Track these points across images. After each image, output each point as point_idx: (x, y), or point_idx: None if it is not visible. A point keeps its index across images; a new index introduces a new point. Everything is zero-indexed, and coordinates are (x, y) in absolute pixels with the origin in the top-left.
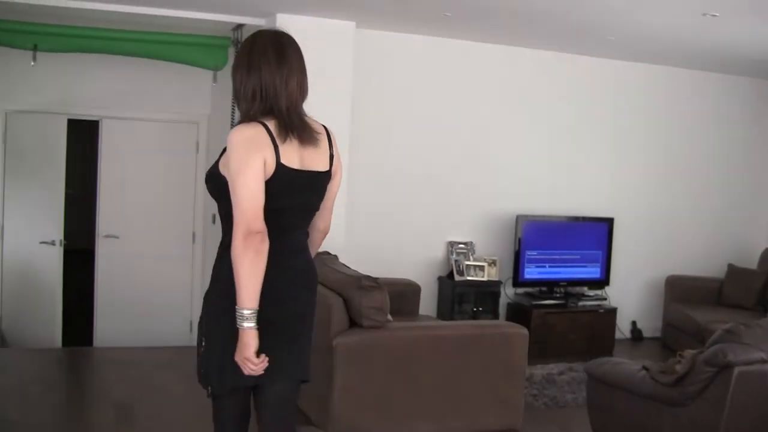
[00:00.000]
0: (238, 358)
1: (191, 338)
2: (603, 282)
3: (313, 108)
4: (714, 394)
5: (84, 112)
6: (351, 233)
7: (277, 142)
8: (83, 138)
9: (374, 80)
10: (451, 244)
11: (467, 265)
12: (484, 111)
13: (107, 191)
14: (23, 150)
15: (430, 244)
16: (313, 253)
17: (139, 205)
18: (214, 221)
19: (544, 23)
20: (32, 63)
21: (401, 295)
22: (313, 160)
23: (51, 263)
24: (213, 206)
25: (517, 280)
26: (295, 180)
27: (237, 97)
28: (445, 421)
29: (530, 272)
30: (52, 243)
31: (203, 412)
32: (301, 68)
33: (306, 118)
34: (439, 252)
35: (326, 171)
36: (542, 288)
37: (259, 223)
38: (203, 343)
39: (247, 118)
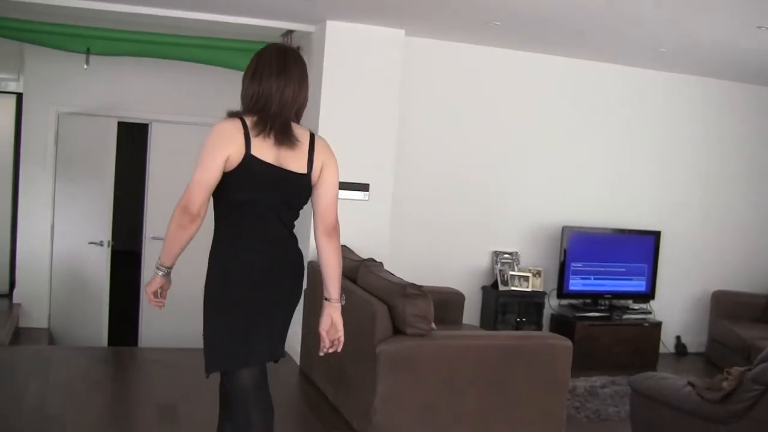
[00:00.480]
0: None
1: None
2: (648, 296)
3: (362, 115)
4: (761, 412)
5: (134, 115)
6: (396, 241)
7: (251, 135)
8: (132, 140)
9: (422, 88)
10: (496, 254)
11: (512, 275)
12: (532, 121)
13: (155, 193)
14: (74, 151)
15: (474, 253)
16: (329, 259)
17: None
18: None
19: (593, 34)
20: (85, 66)
21: (445, 304)
22: (289, 160)
23: (99, 264)
24: None
25: (562, 292)
26: (267, 172)
27: (241, 97)
28: (487, 431)
29: (575, 284)
30: (100, 244)
31: None
32: (301, 81)
33: (291, 124)
34: (483, 261)
35: (303, 174)
36: (586, 300)
37: (196, 207)
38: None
39: (236, 114)
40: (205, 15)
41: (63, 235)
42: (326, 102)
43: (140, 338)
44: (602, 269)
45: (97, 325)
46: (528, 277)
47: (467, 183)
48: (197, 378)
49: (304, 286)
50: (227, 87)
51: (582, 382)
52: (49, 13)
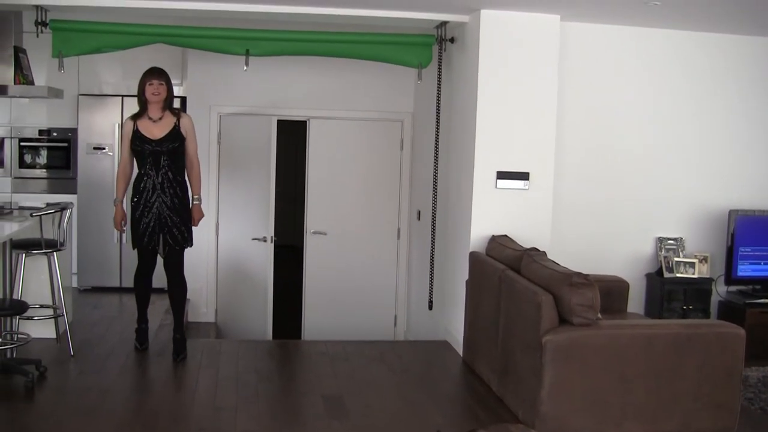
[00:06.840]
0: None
1: (396, 333)
2: None
3: (520, 103)
4: None
5: (292, 112)
6: (558, 229)
7: (138, 124)
8: (292, 137)
9: (580, 73)
10: (660, 240)
11: (677, 261)
12: (694, 102)
13: (315, 189)
14: (236, 150)
15: (637, 239)
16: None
17: (345, 202)
18: (419, 218)
19: (760, 5)
20: (245, 68)
21: (609, 292)
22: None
23: (262, 259)
24: (417, 203)
25: (730, 278)
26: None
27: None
28: (656, 423)
29: (744, 269)
30: (263, 239)
31: (413, 406)
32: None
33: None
34: (647, 248)
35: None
36: (756, 286)
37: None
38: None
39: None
40: (360, 11)
41: (227, 232)
42: (483, 92)
43: (303, 331)
44: None
45: (262, 319)
46: (694, 263)
47: (628, 168)
48: (363, 370)
49: (465, 276)
50: (382, 81)
51: (754, 372)
52: (209, 18)
